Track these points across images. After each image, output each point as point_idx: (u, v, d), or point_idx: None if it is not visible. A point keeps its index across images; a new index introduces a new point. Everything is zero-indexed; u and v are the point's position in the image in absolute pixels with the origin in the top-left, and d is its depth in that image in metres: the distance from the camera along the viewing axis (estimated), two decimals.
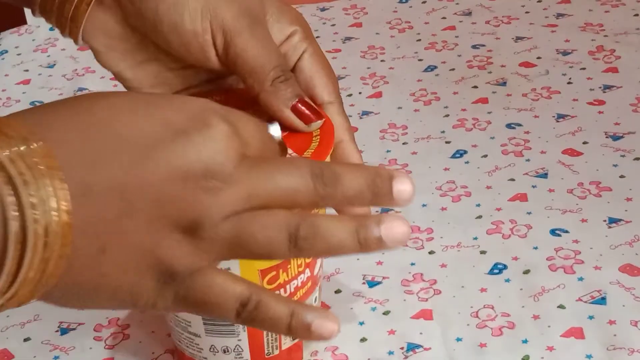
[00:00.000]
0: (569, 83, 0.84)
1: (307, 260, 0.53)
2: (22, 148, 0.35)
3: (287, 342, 0.55)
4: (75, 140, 0.36)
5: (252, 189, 0.39)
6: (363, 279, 0.64)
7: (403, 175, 0.40)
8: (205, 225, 0.38)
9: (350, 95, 0.85)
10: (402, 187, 0.40)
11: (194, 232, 0.38)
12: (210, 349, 0.54)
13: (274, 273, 0.51)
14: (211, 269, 0.39)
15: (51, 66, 0.95)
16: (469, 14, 0.97)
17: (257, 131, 0.41)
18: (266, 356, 0.55)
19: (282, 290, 0.52)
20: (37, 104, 0.88)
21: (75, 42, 0.54)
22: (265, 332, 0.53)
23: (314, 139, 0.51)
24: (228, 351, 0.54)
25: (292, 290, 0.53)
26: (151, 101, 0.39)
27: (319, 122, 0.51)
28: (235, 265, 0.50)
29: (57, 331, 0.62)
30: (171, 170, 0.37)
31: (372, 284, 0.64)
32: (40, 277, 0.35)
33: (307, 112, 0.51)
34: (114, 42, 0.53)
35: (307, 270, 0.53)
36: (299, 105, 0.51)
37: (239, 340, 0.54)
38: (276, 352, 0.55)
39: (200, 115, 0.39)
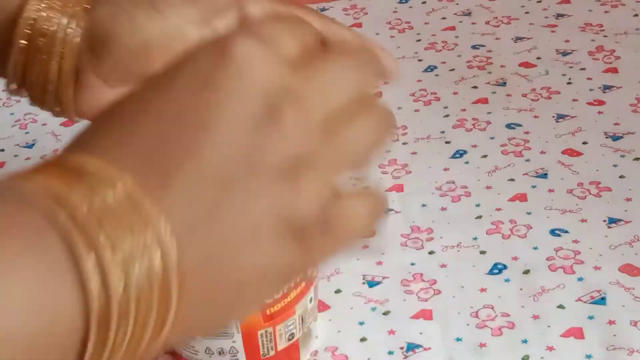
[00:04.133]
0: (568, 83, 0.84)
1: None
2: (109, 193, 0.29)
3: (282, 343, 0.55)
4: (132, 156, 0.31)
5: (321, 93, 0.32)
6: (363, 279, 0.64)
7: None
8: (302, 155, 0.31)
9: None
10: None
11: (295, 170, 0.31)
12: (205, 351, 0.54)
13: None
14: (338, 194, 0.33)
15: None
16: (469, 14, 0.97)
17: (290, 27, 0.33)
18: (262, 357, 0.54)
19: None
20: None
21: (72, 120, 0.54)
22: (259, 334, 0.53)
23: None
24: (223, 353, 0.54)
25: (285, 291, 0.53)
26: (167, 75, 0.33)
27: None
28: None
29: None
30: (235, 123, 0.31)
31: (372, 284, 0.64)
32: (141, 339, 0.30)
33: None
34: None
35: None
36: None
37: (234, 342, 0.53)
38: (272, 353, 0.55)
39: (218, 49, 0.32)
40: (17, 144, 0.84)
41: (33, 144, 0.83)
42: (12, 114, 0.88)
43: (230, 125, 0.31)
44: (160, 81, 0.33)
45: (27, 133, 0.85)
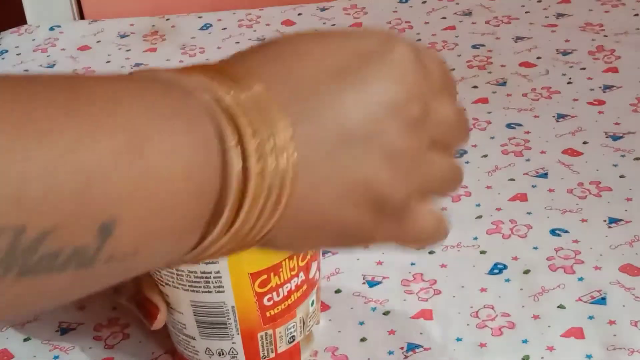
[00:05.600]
0: (569, 83, 0.84)
1: (301, 264, 0.53)
2: (245, 92, 0.34)
3: (282, 346, 0.55)
4: (280, 77, 0.36)
5: (438, 123, 0.39)
6: (363, 279, 0.64)
7: None
8: (408, 152, 0.37)
9: None
10: None
11: (401, 161, 0.37)
12: (205, 351, 0.54)
13: (264, 277, 0.51)
14: (420, 200, 0.40)
15: (51, 66, 0.95)
16: (469, 14, 0.97)
17: (438, 61, 0.40)
18: (262, 359, 0.54)
19: (274, 293, 0.52)
20: None
21: None
22: (259, 336, 0.53)
23: None
24: (223, 354, 0.54)
25: (285, 293, 0.52)
26: (337, 34, 0.39)
27: None
28: (224, 269, 0.50)
29: (57, 331, 0.62)
30: (375, 95, 0.36)
31: (372, 284, 0.64)
32: (254, 227, 0.35)
33: None
34: None
35: (302, 274, 0.53)
36: None
37: (233, 343, 0.53)
38: (272, 355, 0.55)
39: (386, 40, 0.38)
40: None
41: None
42: None
43: (371, 95, 0.36)
44: (321, 34, 0.39)
45: None
